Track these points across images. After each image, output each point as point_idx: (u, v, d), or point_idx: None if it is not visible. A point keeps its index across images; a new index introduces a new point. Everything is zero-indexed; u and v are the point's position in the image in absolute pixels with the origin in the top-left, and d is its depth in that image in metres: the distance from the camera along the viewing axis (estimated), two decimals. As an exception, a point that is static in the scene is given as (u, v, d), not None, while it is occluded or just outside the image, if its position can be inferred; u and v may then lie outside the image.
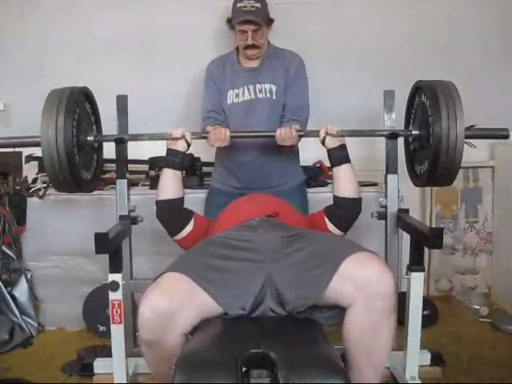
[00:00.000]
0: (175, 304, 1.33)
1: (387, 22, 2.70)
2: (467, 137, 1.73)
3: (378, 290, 1.33)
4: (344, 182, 1.90)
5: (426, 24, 2.70)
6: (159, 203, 1.91)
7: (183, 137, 1.88)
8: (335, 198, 1.92)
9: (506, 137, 1.88)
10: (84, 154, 1.85)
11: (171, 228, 1.92)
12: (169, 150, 1.90)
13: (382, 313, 1.35)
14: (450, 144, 1.69)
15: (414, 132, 1.93)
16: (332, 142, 1.89)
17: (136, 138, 2.02)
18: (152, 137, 1.95)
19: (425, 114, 1.83)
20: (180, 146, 1.89)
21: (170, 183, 1.89)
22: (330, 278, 1.37)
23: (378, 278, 1.33)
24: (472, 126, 1.79)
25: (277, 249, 1.51)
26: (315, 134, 1.94)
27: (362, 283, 1.33)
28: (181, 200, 1.92)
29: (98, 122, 1.99)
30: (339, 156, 1.89)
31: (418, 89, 1.92)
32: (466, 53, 2.73)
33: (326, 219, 1.92)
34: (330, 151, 1.91)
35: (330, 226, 1.91)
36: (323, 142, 1.92)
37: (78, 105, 1.78)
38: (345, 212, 1.91)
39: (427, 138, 1.81)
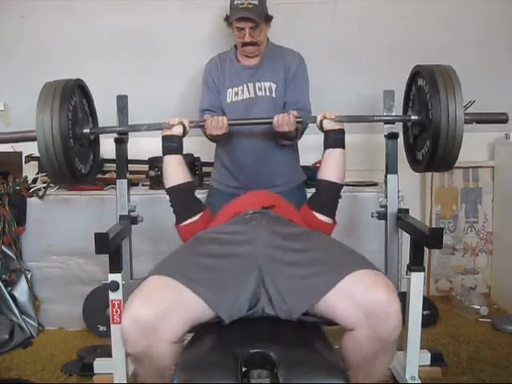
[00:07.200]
0: (159, 311, 1.20)
1: (387, 21, 2.70)
2: (466, 121, 1.70)
3: (384, 322, 1.22)
4: (330, 165, 1.85)
5: (425, 24, 2.70)
6: (170, 190, 1.84)
7: (181, 122, 1.85)
8: (317, 180, 1.86)
9: (505, 121, 1.86)
10: (80, 146, 1.81)
11: (183, 212, 1.83)
12: (164, 137, 1.86)
13: (385, 342, 1.26)
14: (449, 126, 1.66)
15: (412, 117, 1.90)
16: (331, 125, 1.86)
17: (133, 128, 1.99)
18: (150, 127, 1.91)
19: (423, 98, 1.80)
20: (176, 130, 1.85)
21: (175, 168, 1.84)
22: (326, 290, 1.26)
23: (386, 309, 1.21)
24: (471, 102, 1.77)
25: (272, 244, 1.39)
26: (313, 119, 1.92)
27: (367, 311, 1.21)
28: (191, 184, 1.86)
29: (93, 115, 1.97)
30: (336, 138, 1.85)
31: (416, 74, 1.89)
32: (466, 53, 2.72)
33: (312, 211, 1.84)
34: (327, 132, 1.86)
35: (319, 215, 1.83)
36: (321, 126, 1.88)
37: (73, 93, 1.75)
38: (323, 196, 1.84)
39: (427, 122, 1.78)
